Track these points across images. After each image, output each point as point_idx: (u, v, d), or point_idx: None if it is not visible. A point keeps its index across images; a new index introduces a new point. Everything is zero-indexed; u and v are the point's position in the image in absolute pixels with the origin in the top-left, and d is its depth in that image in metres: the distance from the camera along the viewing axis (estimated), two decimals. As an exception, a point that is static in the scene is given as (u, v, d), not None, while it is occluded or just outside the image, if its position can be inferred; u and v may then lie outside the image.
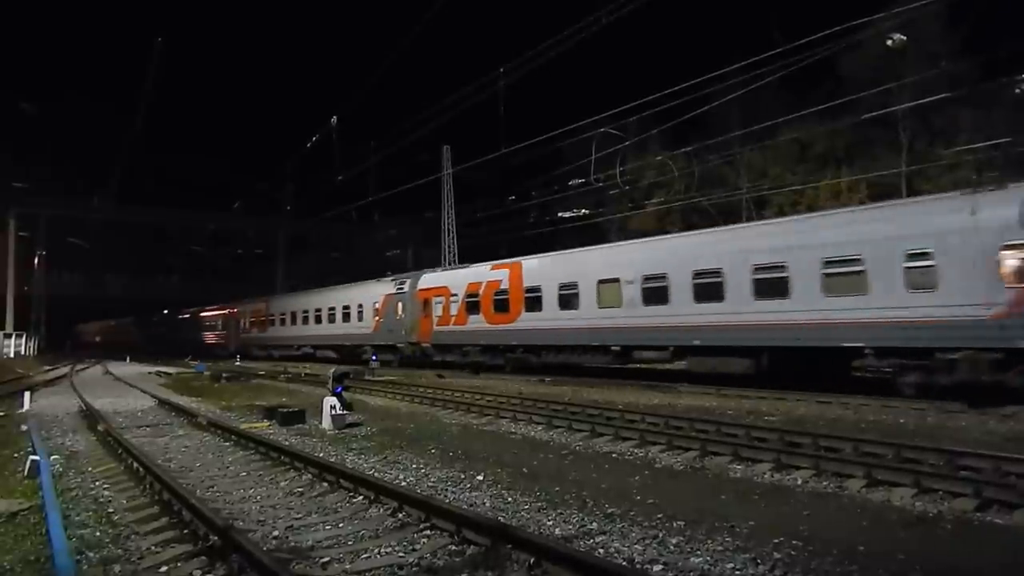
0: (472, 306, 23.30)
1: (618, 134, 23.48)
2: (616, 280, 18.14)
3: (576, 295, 19.44)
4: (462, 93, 19.61)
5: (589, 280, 19.07)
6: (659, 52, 61.10)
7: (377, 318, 29.08)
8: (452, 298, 24.33)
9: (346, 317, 31.97)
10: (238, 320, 45.80)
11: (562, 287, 19.93)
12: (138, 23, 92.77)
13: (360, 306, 30.81)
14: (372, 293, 29.90)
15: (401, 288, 27.75)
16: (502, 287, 22.11)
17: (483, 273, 23.46)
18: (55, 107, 67.06)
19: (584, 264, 19.87)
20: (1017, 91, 23.15)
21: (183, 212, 59.77)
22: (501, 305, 22.03)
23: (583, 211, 36.64)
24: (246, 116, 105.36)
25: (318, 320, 34.73)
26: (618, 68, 66.50)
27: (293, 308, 38.04)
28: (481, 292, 22.94)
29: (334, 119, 23.01)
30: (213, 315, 50.83)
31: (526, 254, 24.39)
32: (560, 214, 37.33)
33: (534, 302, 20.84)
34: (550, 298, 20.25)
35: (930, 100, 20.87)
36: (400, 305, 27.52)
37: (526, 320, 21.03)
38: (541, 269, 21.22)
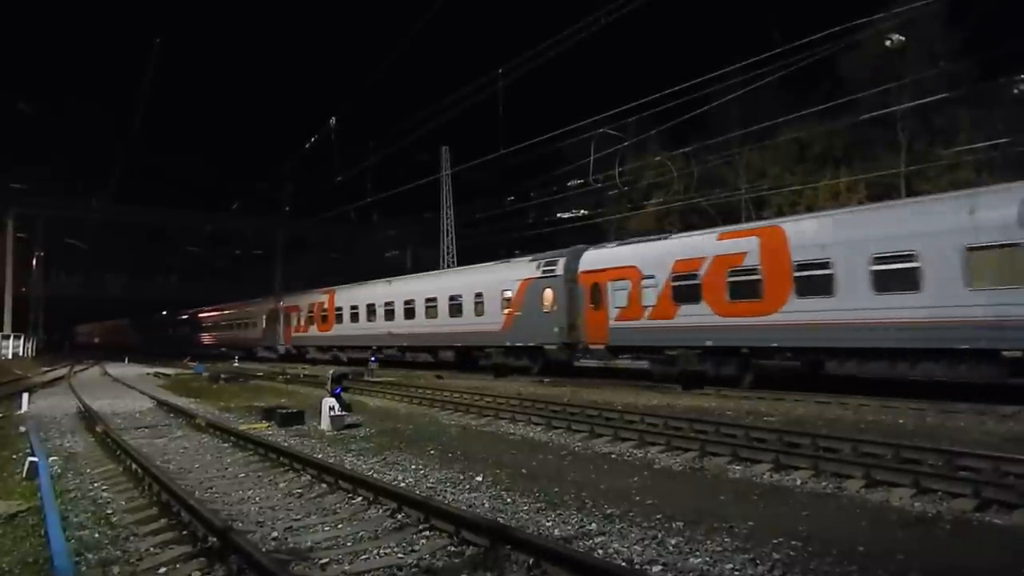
0: (684, 292, 16.64)
1: (617, 135, 23.49)
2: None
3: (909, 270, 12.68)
4: (461, 93, 19.62)
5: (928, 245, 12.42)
6: (658, 52, 61.14)
7: (509, 311, 22.31)
8: (646, 281, 17.71)
9: (456, 310, 24.94)
10: (288, 315, 38.87)
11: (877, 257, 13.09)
12: (136, 24, 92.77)
13: (479, 295, 23.79)
14: (501, 278, 23.19)
15: (551, 271, 21.05)
16: (746, 263, 15.38)
17: (703, 245, 16.77)
18: (53, 108, 67.12)
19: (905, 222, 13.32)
20: (1016, 91, 23.19)
21: (182, 213, 59.73)
22: (745, 289, 15.35)
23: (582, 211, 36.67)
24: (245, 116, 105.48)
25: (409, 314, 27.71)
26: (617, 68, 66.61)
27: (371, 299, 30.83)
28: (703, 272, 16.28)
29: (333, 119, 23.00)
30: (250, 311, 44.69)
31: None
32: (559, 215, 37.34)
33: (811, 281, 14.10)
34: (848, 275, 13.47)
35: (929, 100, 20.90)
36: (549, 293, 20.91)
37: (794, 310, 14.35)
38: (827, 231, 14.26)
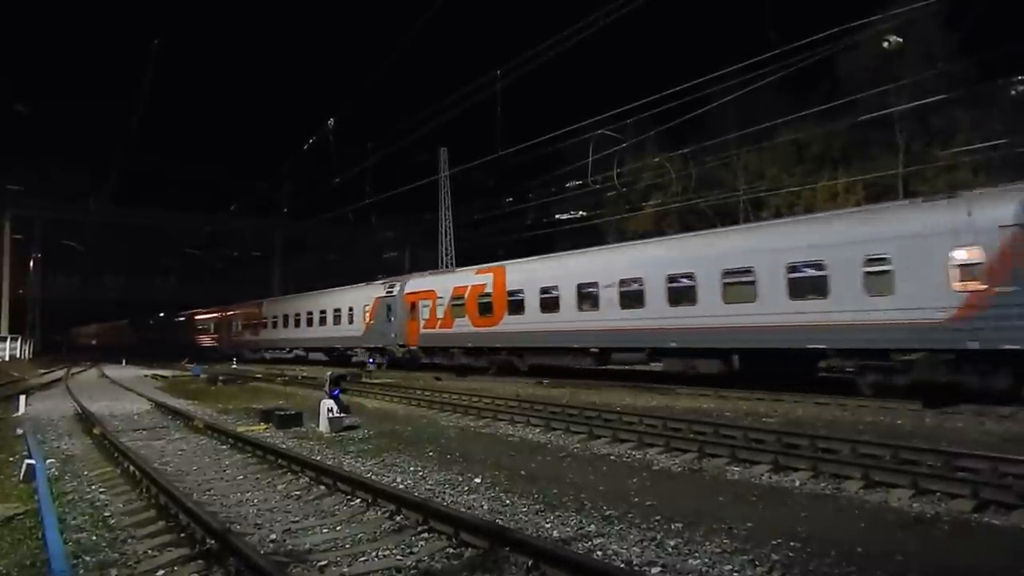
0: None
1: (615, 136, 23.52)
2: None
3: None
4: (460, 94, 19.63)
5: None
6: (656, 54, 61.23)
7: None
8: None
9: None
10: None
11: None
12: (135, 25, 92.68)
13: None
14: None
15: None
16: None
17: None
18: (51, 109, 66.98)
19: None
20: (1014, 92, 23.25)
21: (179, 214, 59.62)
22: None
23: (580, 213, 36.68)
24: (243, 118, 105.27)
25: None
26: (616, 70, 66.70)
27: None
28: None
29: (331, 121, 23.00)
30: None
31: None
32: (557, 216, 37.35)
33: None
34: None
35: (927, 101, 20.95)
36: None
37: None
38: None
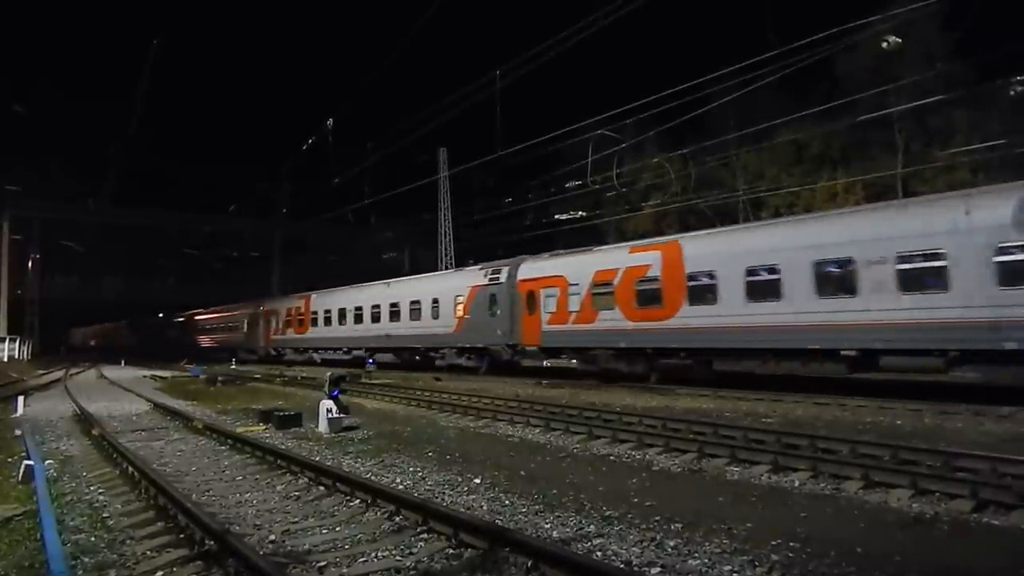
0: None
1: (615, 136, 23.54)
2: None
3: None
4: (459, 95, 19.66)
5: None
6: (656, 54, 61.31)
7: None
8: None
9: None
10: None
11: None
12: (133, 25, 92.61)
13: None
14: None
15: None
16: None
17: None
18: (49, 109, 66.90)
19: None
20: (1013, 92, 23.26)
21: (178, 214, 59.60)
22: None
23: (580, 213, 36.71)
24: (242, 118, 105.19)
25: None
26: (615, 70, 66.72)
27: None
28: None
29: (330, 121, 23.00)
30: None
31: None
32: (557, 216, 37.38)
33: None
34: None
35: (926, 101, 20.98)
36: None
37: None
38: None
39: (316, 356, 34.32)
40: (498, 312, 22.70)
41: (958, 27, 26.45)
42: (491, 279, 23.35)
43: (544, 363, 24.45)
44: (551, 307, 20.60)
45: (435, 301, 26.01)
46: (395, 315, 28.33)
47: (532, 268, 22.01)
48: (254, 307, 41.90)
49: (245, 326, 43.03)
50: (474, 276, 24.42)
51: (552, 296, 20.60)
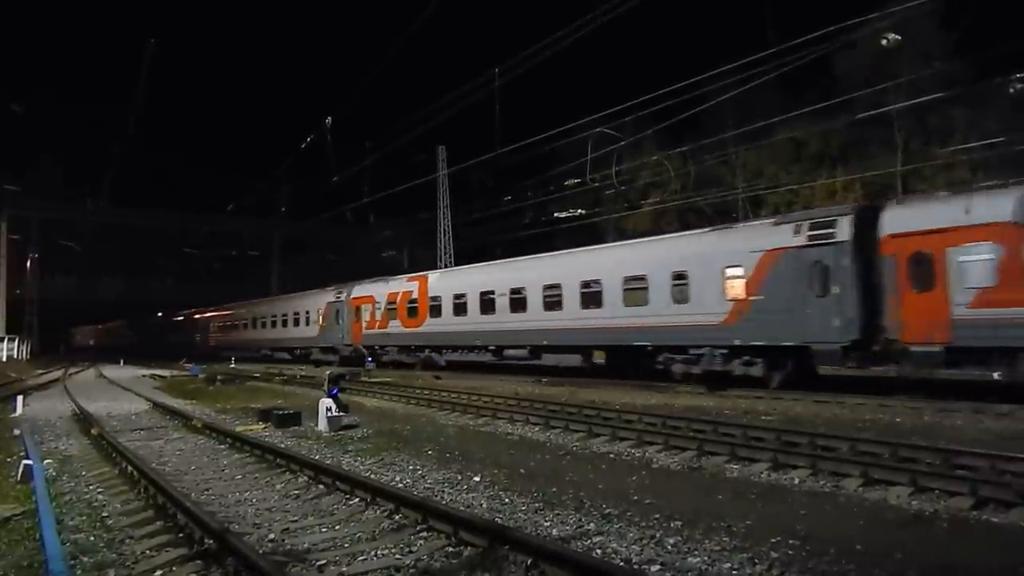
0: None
1: (614, 134, 23.53)
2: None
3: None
4: (457, 93, 19.65)
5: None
6: (654, 52, 61.26)
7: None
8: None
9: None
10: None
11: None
12: (131, 24, 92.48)
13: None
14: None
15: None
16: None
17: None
18: (48, 109, 66.80)
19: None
20: (1012, 90, 23.26)
21: (177, 214, 59.56)
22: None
23: (579, 211, 36.71)
24: (240, 117, 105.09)
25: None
26: (614, 68, 66.65)
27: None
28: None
29: (329, 120, 22.97)
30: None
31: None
32: (556, 214, 37.37)
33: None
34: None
35: (925, 99, 20.98)
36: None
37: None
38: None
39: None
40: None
41: (957, 25, 26.48)
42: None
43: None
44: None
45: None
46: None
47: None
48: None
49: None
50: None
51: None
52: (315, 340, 33.58)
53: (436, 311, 25.07)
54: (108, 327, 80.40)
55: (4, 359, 44.56)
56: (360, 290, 30.36)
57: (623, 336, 18.04)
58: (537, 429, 11.64)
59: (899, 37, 23.20)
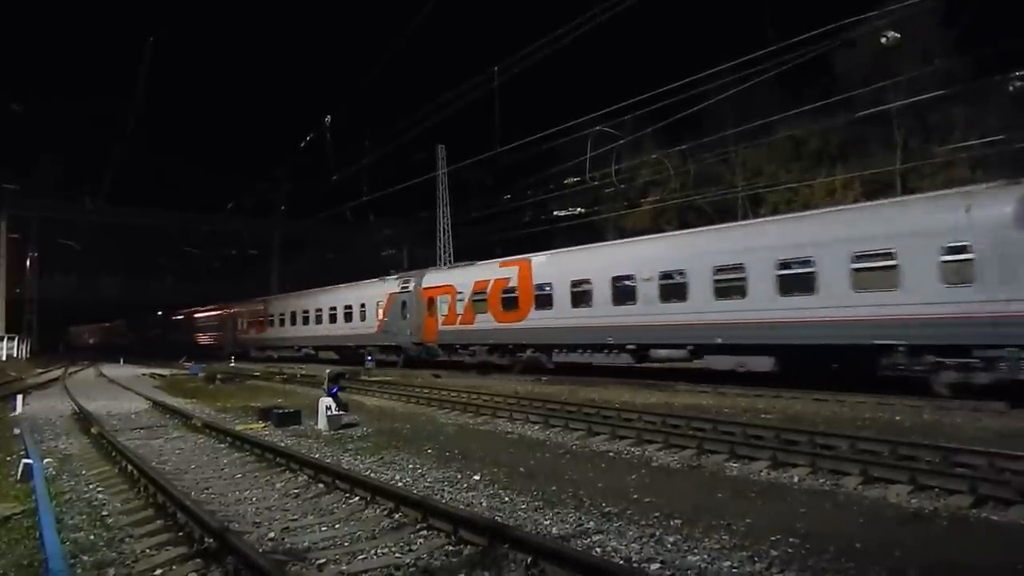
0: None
1: (613, 132, 23.50)
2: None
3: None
4: (456, 92, 19.62)
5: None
6: (654, 50, 61.22)
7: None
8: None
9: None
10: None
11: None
12: (130, 23, 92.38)
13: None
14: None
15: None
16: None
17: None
18: (46, 108, 66.77)
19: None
20: (1011, 88, 23.24)
21: (176, 213, 59.52)
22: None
23: (579, 210, 36.68)
24: (240, 117, 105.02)
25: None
26: (613, 66, 66.61)
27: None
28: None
29: (328, 119, 22.94)
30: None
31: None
32: (555, 213, 37.35)
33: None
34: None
35: (924, 97, 20.97)
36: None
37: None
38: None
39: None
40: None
41: (956, 23, 26.48)
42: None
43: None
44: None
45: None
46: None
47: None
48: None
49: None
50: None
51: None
52: (373, 338, 28.71)
53: (544, 301, 20.43)
54: (107, 326, 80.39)
55: (4, 358, 44.52)
56: (435, 278, 25.91)
57: (853, 332, 13.42)
58: (537, 428, 11.64)
59: (898, 35, 23.17)
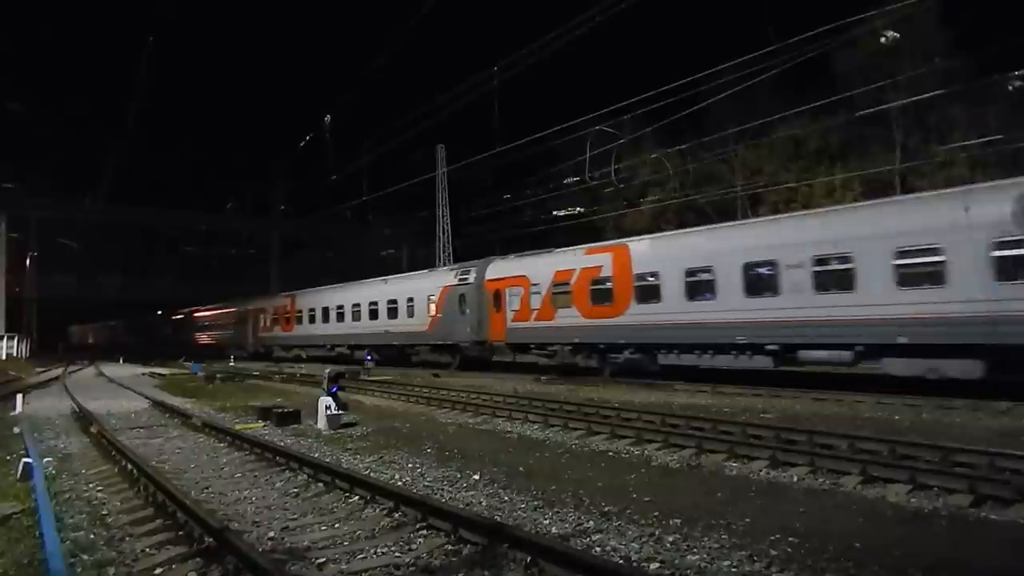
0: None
1: (613, 132, 23.51)
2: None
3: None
4: (456, 92, 19.64)
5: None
6: (654, 50, 61.22)
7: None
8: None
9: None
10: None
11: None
12: (129, 22, 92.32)
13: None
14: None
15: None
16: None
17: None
18: (45, 107, 66.74)
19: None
20: (1011, 87, 23.26)
21: (176, 213, 59.51)
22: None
23: (578, 209, 36.69)
24: (239, 116, 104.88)
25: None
26: (612, 66, 66.59)
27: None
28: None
29: (327, 118, 22.95)
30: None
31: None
32: (555, 212, 37.36)
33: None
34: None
35: (924, 97, 20.99)
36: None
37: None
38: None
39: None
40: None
41: (956, 22, 26.48)
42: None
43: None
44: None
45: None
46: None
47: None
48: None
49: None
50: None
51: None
52: (423, 336, 25.79)
53: (648, 293, 17.42)
54: (109, 325, 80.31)
55: (3, 357, 44.49)
56: (502, 268, 22.51)
57: None
58: (536, 427, 11.64)
59: (898, 35, 23.19)
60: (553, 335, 20.23)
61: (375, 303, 29.20)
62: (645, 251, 18.24)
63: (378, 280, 31.16)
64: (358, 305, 30.44)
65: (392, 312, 27.87)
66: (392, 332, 27.86)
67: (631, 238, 20.83)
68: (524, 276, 21.37)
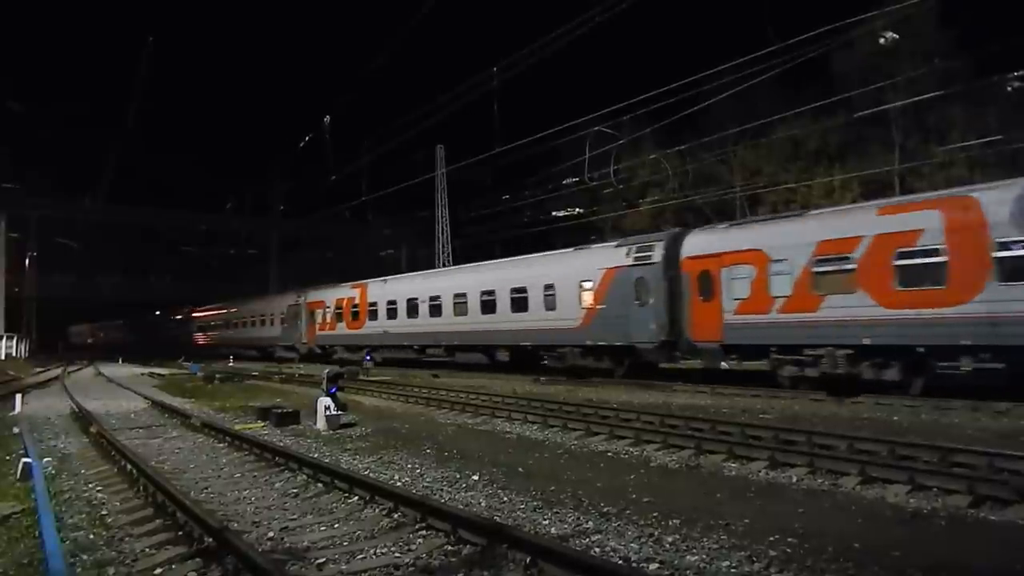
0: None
1: (612, 133, 23.52)
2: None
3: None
4: (456, 92, 19.67)
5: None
6: (653, 51, 61.22)
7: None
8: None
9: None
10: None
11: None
12: (128, 22, 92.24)
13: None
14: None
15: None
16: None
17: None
18: (45, 107, 66.67)
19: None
20: (1010, 88, 23.28)
21: (175, 213, 59.48)
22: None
23: (577, 210, 36.72)
24: (238, 116, 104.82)
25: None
26: (612, 67, 66.57)
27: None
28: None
29: (327, 118, 22.96)
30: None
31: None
32: (554, 213, 37.38)
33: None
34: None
35: (923, 98, 21.00)
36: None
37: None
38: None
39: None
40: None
41: (955, 23, 26.50)
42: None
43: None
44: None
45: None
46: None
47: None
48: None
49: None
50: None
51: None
52: (573, 335, 19.68)
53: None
54: (112, 325, 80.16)
55: (3, 357, 44.46)
56: (711, 240, 16.54)
57: None
58: (535, 428, 11.65)
59: (897, 36, 23.22)
60: (818, 333, 13.81)
61: (490, 292, 22.81)
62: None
63: (497, 263, 25.43)
64: (463, 295, 23.98)
65: (519, 303, 21.65)
66: (518, 330, 21.72)
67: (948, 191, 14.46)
68: (757, 250, 15.06)
